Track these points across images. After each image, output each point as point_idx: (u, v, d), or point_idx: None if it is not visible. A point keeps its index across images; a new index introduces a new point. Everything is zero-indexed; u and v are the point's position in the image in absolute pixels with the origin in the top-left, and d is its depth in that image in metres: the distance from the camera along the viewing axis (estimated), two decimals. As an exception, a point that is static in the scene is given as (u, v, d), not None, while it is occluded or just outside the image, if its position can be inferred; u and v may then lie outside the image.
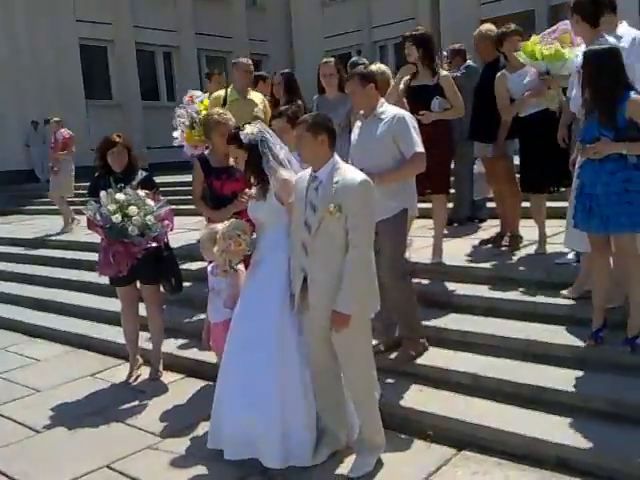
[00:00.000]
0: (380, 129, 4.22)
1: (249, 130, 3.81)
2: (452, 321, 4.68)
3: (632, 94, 3.69)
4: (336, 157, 3.47)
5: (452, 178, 6.80)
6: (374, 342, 4.49)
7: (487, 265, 5.16)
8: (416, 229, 6.07)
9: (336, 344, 3.47)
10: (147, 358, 5.26)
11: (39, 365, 5.77)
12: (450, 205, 7.04)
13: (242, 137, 3.74)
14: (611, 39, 4.40)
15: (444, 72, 5.32)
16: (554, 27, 4.90)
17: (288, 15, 20.58)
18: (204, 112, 6.08)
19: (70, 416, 4.56)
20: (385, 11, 18.07)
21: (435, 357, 4.39)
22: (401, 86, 5.31)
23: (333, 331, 3.42)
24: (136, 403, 4.73)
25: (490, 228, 6.47)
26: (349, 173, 3.40)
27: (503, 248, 5.63)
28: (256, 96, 6.27)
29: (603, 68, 3.71)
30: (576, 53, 4.46)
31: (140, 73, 18.16)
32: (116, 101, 17.91)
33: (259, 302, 3.66)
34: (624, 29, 4.59)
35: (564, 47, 4.60)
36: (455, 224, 6.96)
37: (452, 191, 6.92)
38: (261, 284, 3.69)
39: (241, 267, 3.94)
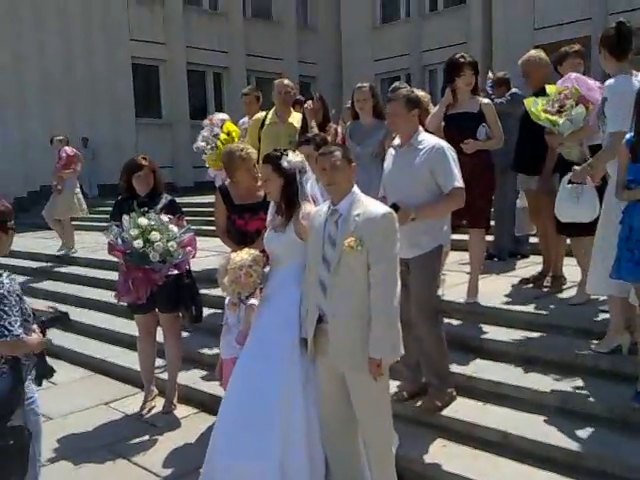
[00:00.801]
0: (417, 159, 3.94)
1: (293, 158, 3.59)
2: (484, 369, 4.32)
3: None
4: (356, 189, 3.23)
5: (493, 210, 6.55)
6: (396, 388, 4.24)
7: (526, 308, 4.78)
8: (450, 263, 5.76)
9: (355, 393, 3.21)
10: (163, 389, 5.06)
11: (56, 390, 5.59)
12: (490, 238, 6.73)
13: (284, 163, 3.51)
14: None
15: (486, 100, 5.00)
16: (565, 77, 4.54)
17: (338, 37, 20.55)
18: (223, 136, 5.92)
19: (77, 449, 4.39)
20: (436, 35, 17.85)
21: (462, 408, 4.04)
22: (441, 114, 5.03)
23: (353, 380, 3.16)
24: (146, 438, 4.53)
25: (532, 265, 6.07)
26: (370, 205, 3.17)
27: (545, 289, 5.25)
28: (296, 119, 6.05)
29: None
30: (579, 111, 4.17)
31: (190, 93, 18.32)
32: (166, 120, 18.08)
33: (265, 343, 3.41)
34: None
35: (566, 107, 4.21)
36: (495, 259, 6.59)
37: (492, 223, 6.63)
38: (269, 323, 3.45)
39: (254, 301, 3.70)
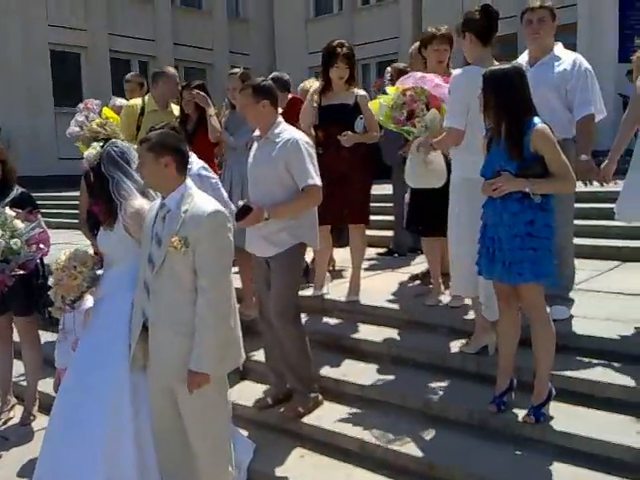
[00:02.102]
0: (273, 153, 3.69)
1: (87, 152, 3.29)
2: (354, 371, 4.10)
3: (537, 122, 3.16)
4: (188, 183, 2.95)
5: (392, 204, 6.39)
6: (262, 393, 4.00)
7: (403, 307, 4.59)
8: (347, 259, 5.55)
9: (183, 409, 2.93)
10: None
11: None
12: (390, 233, 6.57)
13: (83, 160, 3.21)
14: (546, 58, 3.95)
15: (362, 91, 4.77)
16: (406, 76, 4.25)
17: (271, 29, 20.19)
18: (98, 121, 5.53)
19: None
20: (369, 29, 17.68)
21: (327, 415, 3.81)
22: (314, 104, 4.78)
23: (180, 393, 2.88)
24: (-8, 453, 4.15)
25: (428, 261, 5.91)
26: (200, 201, 2.88)
27: (431, 286, 5.07)
28: (176, 109, 5.72)
29: (509, 89, 3.18)
30: (432, 117, 3.95)
31: (113, 81, 17.63)
32: (87, 109, 17.36)
33: (94, 350, 3.10)
34: (560, 50, 4.09)
35: (417, 112, 3.96)
36: (395, 255, 6.43)
37: (391, 218, 6.47)
38: (98, 328, 3.14)
39: (89, 305, 3.38)
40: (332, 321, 4.73)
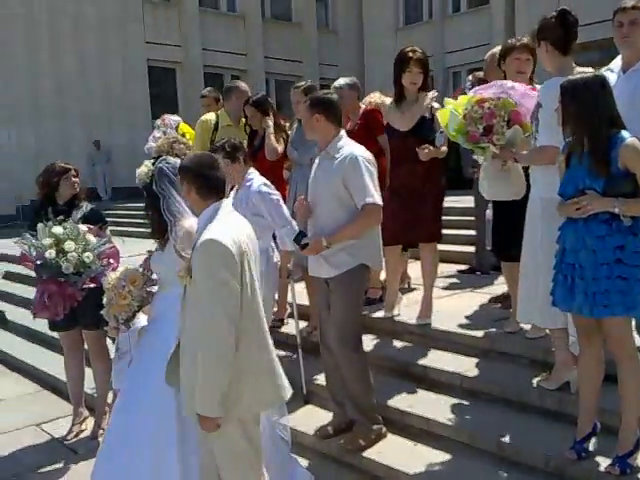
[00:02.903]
0: (331, 170, 3.52)
1: (138, 170, 3.23)
2: (421, 402, 3.84)
3: (627, 136, 2.82)
4: (223, 205, 2.72)
5: (474, 219, 6.06)
6: (324, 422, 3.82)
7: (480, 333, 4.26)
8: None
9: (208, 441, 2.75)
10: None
11: (1, 406, 5.36)
12: (472, 249, 6.24)
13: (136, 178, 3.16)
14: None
15: (436, 104, 4.50)
16: (489, 84, 3.79)
17: (360, 39, 20.09)
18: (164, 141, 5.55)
19: (-20, 478, 4.07)
20: (460, 36, 17.27)
21: (389, 449, 3.58)
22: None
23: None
24: (58, 467, 4.18)
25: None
26: (210, 228, 2.62)
27: (511, 310, 4.72)
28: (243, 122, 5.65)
29: (590, 100, 2.85)
30: (514, 133, 3.56)
31: (207, 95, 18.08)
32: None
33: (141, 372, 3.02)
34: (618, 62, 3.70)
35: (496, 129, 3.54)
36: (478, 272, 6.08)
37: (473, 232, 6.15)
38: (147, 349, 3.06)
39: (143, 323, 3.30)
40: (402, 345, 4.49)
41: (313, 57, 19.66)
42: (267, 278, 4.08)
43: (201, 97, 6.50)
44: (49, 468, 4.17)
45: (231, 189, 4.26)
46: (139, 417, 2.98)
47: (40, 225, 4.02)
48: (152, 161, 3.32)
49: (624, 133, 2.84)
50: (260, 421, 2.98)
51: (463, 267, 6.23)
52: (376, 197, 3.44)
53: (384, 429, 3.68)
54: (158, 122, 6.19)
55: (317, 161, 3.72)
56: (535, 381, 3.63)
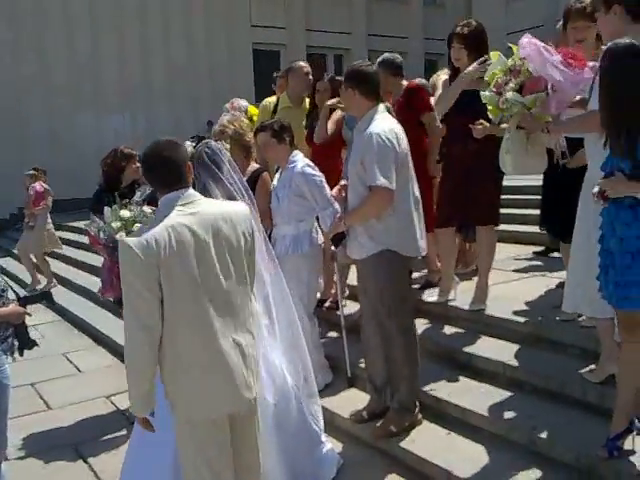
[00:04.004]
0: (357, 148, 3.45)
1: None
2: (461, 390, 3.70)
3: None
4: (181, 196, 2.47)
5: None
6: (359, 407, 3.77)
7: (533, 320, 4.03)
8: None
9: None
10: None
11: (76, 378, 5.73)
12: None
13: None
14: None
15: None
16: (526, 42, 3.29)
17: (469, 11, 19.36)
18: (246, 122, 5.60)
19: (49, 445, 4.36)
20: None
21: (423, 438, 3.49)
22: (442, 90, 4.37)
23: None
24: (119, 434, 4.42)
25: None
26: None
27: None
28: (307, 103, 5.61)
29: (630, 73, 2.57)
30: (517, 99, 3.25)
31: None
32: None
33: None
34: None
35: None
36: (554, 252, 5.75)
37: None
38: None
39: None
40: (452, 331, 4.34)
41: (418, 32, 19.24)
42: (310, 260, 4.08)
43: (276, 78, 6.53)
44: (107, 437, 4.42)
45: (277, 170, 4.28)
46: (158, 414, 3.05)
47: (107, 208, 4.21)
48: (194, 143, 3.37)
49: None
50: (266, 411, 2.99)
51: (539, 248, 5.90)
52: (382, 180, 3.29)
53: (419, 416, 3.59)
54: (227, 106, 6.28)
55: (354, 137, 3.65)
56: (581, 373, 3.39)
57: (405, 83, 4.92)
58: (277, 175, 4.18)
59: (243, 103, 6.30)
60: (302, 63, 5.62)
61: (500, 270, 5.41)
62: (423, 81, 5.39)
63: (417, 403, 3.59)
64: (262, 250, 3.27)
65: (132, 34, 15.82)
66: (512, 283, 4.98)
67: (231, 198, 3.17)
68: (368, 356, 3.73)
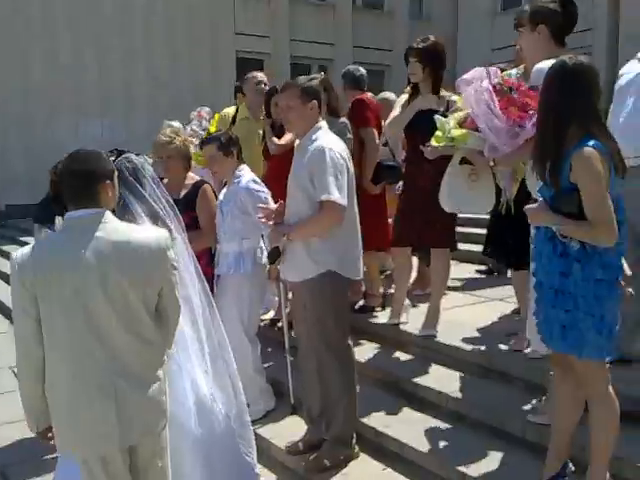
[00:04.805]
0: (301, 162, 3.29)
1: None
2: (401, 422, 3.54)
3: (590, 144, 2.33)
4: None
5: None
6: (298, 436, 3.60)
7: (481, 349, 3.89)
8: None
9: None
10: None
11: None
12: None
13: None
14: None
15: (454, 96, 4.12)
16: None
17: (454, 26, 19.38)
18: (212, 129, 5.46)
19: None
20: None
21: (354, 473, 3.31)
22: (398, 110, 4.24)
23: None
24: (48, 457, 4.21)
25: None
26: None
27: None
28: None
29: (571, 88, 2.41)
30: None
31: (294, 86, 18.10)
32: (268, 114, 18.03)
33: None
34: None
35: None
36: (495, 273, 5.69)
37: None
38: None
39: None
40: (403, 357, 4.19)
41: (404, 45, 19.09)
42: (253, 280, 3.91)
43: (236, 87, 6.39)
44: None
45: (224, 185, 4.12)
46: None
47: (59, 218, 4.03)
48: (113, 157, 3.19)
49: (591, 141, 2.35)
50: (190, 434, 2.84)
51: (482, 267, 5.82)
52: (335, 194, 3.13)
53: (356, 449, 3.42)
54: (194, 114, 6.14)
55: (294, 152, 3.50)
56: (527, 407, 3.24)
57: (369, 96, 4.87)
58: (224, 189, 4.02)
59: (207, 110, 6.18)
60: (255, 73, 5.47)
61: (459, 293, 5.32)
62: (386, 95, 5.29)
63: (354, 435, 3.42)
64: (191, 272, 3.11)
65: (113, 41, 15.62)
66: (468, 307, 4.86)
67: (154, 216, 3.00)
68: (304, 383, 3.56)
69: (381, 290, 4.98)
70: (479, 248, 5.94)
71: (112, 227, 2.26)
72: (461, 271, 6.09)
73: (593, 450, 2.52)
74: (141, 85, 16.05)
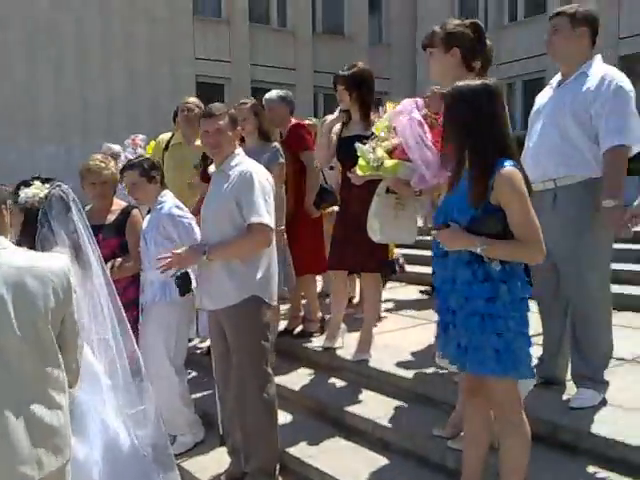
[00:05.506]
0: (225, 187, 3.24)
1: (25, 190, 3.01)
2: (327, 451, 3.46)
3: (507, 164, 2.36)
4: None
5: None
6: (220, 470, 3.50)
7: (412, 374, 3.84)
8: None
9: None
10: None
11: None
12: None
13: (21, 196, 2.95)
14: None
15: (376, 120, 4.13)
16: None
17: (414, 51, 19.65)
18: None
19: None
20: (515, 47, 16.59)
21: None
22: (333, 137, 4.25)
23: None
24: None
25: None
26: None
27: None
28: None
29: (476, 113, 2.41)
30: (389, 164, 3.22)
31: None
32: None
33: None
34: (595, 65, 3.22)
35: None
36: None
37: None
38: None
39: None
40: (335, 383, 4.13)
41: (364, 71, 19.39)
42: (179, 308, 3.82)
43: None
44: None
45: (148, 212, 4.05)
46: None
47: None
48: (47, 185, 3.10)
49: (507, 161, 2.37)
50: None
51: (427, 287, 5.84)
52: (264, 217, 3.12)
53: (279, 480, 3.34)
54: (128, 141, 6.08)
55: (212, 178, 3.46)
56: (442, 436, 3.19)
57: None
58: (147, 216, 3.95)
59: (141, 137, 6.12)
60: (187, 99, 5.41)
61: (400, 315, 5.30)
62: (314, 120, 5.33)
63: (277, 466, 3.33)
64: (108, 307, 3.02)
65: (70, 64, 15.53)
66: (408, 330, 4.83)
67: (77, 245, 2.94)
68: (224, 415, 3.48)
69: (319, 315, 4.93)
70: (427, 270, 6.07)
71: (11, 254, 2.18)
72: (408, 293, 6.10)
73: (503, 477, 2.48)
74: (99, 109, 15.93)
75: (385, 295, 5.70)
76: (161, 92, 16.62)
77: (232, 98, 17.90)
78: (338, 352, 4.32)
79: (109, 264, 3.61)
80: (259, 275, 3.22)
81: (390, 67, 19.59)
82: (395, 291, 6.10)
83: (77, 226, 2.95)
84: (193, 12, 17.08)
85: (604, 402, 3.15)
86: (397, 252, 5.45)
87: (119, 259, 3.85)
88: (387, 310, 5.44)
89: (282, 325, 4.97)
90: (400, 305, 5.63)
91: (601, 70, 3.11)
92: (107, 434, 2.88)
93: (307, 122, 5.24)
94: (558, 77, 3.36)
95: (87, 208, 4.30)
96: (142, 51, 16.49)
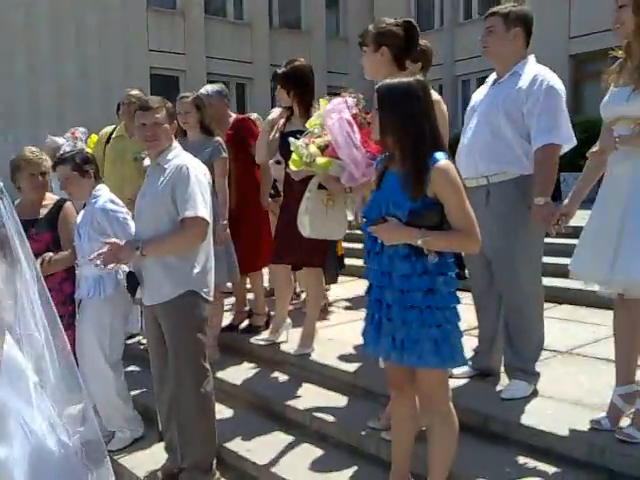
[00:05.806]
0: (160, 182, 3.19)
1: None
2: (266, 445, 3.46)
3: (440, 158, 2.39)
4: None
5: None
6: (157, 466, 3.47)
7: (352, 368, 3.87)
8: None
9: None
10: None
11: None
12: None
13: None
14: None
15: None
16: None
17: (371, 47, 19.75)
18: (89, 150, 5.28)
19: None
20: (470, 45, 16.75)
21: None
22: (275, 134, 4.24)
23: None
24: None
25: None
26: None
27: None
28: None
29: (409, 108, 2.43)
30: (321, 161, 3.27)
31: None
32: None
33: None
34: (528, 64, 3.27)
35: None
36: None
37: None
38: None
39: None
40: (277, 377, 4.14)
41: (322, 65, 19.33)
42: (114, 304, 3.76)
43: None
44: None
45: (83, 206, 3.97)
46: None
47: None
48: None
49: (438, 154, 2.40)
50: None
51: None
52: (200, 211, 3.08)
53: (216, 475, 3.31)
54: (67, 135, 5.96)
55: (147, 173, 3.41)
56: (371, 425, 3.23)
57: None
58: (81, 212, 3.88)
59: (82, 130, 6.00)
60: (129, 91, 5.33)
61: (348, 310, 5.32)
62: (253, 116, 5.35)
63: (214, 461, 3.31)
64: (37, 303, 2.95)
65: (20, 53, 15.15)
66: (352, 324, 4.84)
67: (3, 240, 2.86)
68: (161, 411, 3.44)
69: (266, 309, 4.92)
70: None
71: None
72: (357, 287, 6.12)
73: (432, 466, 2.51)
74: (49, 99, 15.58)
75: (335, 289, 5.74)
76: (114, 84, 16.32)
77: (188, 90, 17.69)
78: (282, 346, 4.33)
79: (39, 259, 3.54)
80: (196, 270, 3.19)
81: (348, 62, 19.57)
82: (344, 285, 6.12)
83: (4, 220, 2.88)
84: (147, 3, 16.79)
85: (535, 393, 3.22)
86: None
87: (50, 253, 3.79)
88: (334, 303, 5.47)
89: (227, 320, 4.95)
90: (348, 299, 5.66)
91: (534, 70, 3.17)
92: (31, 433, 2.82)
93: (253, 117, 5.22)
94: (494, 76, 3.42)
95: (16, 202, 4.23)
96: (94, 42, 16.18)
